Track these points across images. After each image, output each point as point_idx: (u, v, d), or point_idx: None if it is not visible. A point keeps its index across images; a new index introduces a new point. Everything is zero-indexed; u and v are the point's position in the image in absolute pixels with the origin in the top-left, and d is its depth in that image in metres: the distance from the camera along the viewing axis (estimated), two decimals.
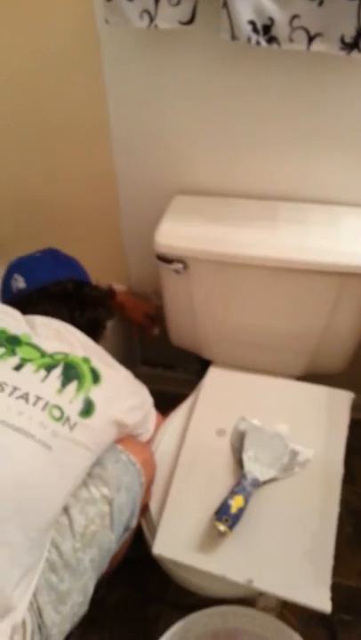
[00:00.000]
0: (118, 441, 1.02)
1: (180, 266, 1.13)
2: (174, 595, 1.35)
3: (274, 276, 1.09)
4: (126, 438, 1.04)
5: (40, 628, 0.77)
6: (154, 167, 1.25)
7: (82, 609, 0.87)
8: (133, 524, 1.00)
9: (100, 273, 1.54)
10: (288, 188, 1.19)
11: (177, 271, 1.14)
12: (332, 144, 1.10)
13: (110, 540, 0.91)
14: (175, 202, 1.23)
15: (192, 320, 1.28)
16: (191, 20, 0.93)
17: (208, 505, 1.03)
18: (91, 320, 1.10)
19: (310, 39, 0.89)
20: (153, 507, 1.05)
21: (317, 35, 0.88)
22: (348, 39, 0.87)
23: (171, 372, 1.82)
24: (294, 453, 1.10)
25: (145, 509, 1.07)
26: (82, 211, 1.40)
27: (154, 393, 1.82)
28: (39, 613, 0.77)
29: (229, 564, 0.94)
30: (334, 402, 1.22)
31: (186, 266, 1.13)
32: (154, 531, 1.00)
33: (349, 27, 0.85)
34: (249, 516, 1.00)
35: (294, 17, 0.87)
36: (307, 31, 0.88)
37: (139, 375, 1.83)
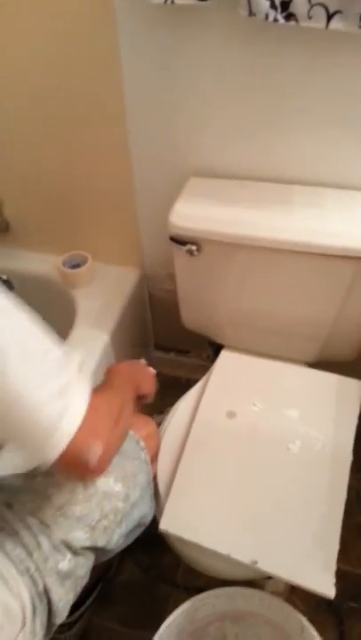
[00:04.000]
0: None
1: (193, 247, 1.12)
2: (184, 576, 1.36)
3: (287, 260, 1.08)
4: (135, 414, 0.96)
5: (50, 607, 0.78)
6: (169, 149, 1.24)
7: (83, 581, 0.87)
8: (148, 520, 0.99)
9: (114, 255, 1.55)
10: (304, 172, 1.18)
11: (190, 253, 1.13)
12: (349, 125, 1.08)
13: (120, 534, 0.90)
14: (190, 184, 1.22)
15: (204, 303, 1.28)
16: None
17: (216, 484, 1.04)
18: None
19: (329, 17, 0.87)
20: (161, 484, 1.06)
21: (337, 12, 0.86)
22: None
23: (184, 357, 1.83)
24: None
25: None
26: (97, 193, 1.40)
27: (166, 377, 1.84)
28: (45, 593, 0.77)
29: (235, 544, 0.94)
30: (345, 390, 1.21)
31: (199, 247, 1.13)
32: (162, 508, 1.01)
33: None
34: (257, 498, 1.01)
35: None
36: (326, 8, 0.86)
37: (152, 360, 1.85)
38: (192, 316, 1.37)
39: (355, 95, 1.03)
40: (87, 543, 0.83)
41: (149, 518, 1.00)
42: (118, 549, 0.96)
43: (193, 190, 1.20)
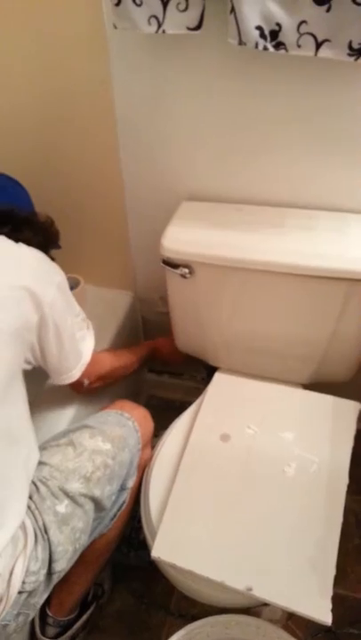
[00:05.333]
0: (116, 405, 1.18)
1: (185, 271, 1.13)
2: (178, 603, 1.34)
3: (281, 282, 1.09)
4: (121, 402, 1.20)
5: (50, 547, 0.89)
6: (161, 173, 1.25)
7: (83, 537, 0.97)
8: (129, 484, 1.11)
9: (107, 278, 1.55)
10: (296, 195, 1.19)
11: (183, 276, 1.14)
12: (340, 150, 1.10)
13: (111, 490, 1.02)
14: (182, 207, 1.23)
15: (198, 326, 1.28)
16: (199, 26, 0.93)
17: (209, 509, 1.03)
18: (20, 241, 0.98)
19: (318, 45, 0.89)
20: (153, 510, 1.04)
21: (325, 40, 0.88)
22: (356, 45, 0.86)
23: (177, 379, 1.82)
24: None
25: (144, 468, 1.16)
26: (89, 217, 1.41)
27: (160, 400, 1.83)
28: (45, 530, 0.89)
29: (229, 571, 0.93)
30: (341, 411, 1.21)
31: (192, 271, 1.13)
32: (154, 534, 1.00)
33: (358, 32, 0.85)
34: (252, 522, 1.00)
35: (302, 22, 0.87)
36: (314, 37, 0.88)
37: (145, 382, 1.84)
38: (185, 338, 1.37)
39: (344, 120, 1.06)
40: (84, 491, 0.96)
41: (130, 484, 1.12)
42: (111, 513, 1.08)
43: (185, 214, 1.21)
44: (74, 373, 1.06)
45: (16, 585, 0.82)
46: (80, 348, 1.06)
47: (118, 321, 1.49)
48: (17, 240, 0.92)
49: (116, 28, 0.96)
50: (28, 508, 0.90)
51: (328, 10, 0.85)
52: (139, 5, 0.91)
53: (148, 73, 1.10)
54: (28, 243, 0.95)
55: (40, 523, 0.89)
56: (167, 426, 1.24)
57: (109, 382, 1.25)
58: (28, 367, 0.97)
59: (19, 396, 0.92)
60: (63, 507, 0.93)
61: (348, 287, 1.05)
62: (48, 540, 0.89)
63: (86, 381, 1.13)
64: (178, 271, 1.14)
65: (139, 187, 1.30)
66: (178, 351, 1.44)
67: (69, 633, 1.16)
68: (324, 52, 0.90)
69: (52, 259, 1.01)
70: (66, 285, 0.99)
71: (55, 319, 0.93)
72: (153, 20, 0.93)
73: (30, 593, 0.86)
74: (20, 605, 0.85)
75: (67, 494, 0.94)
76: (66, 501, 0.94)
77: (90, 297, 1.52)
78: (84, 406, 1.25)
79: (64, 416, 1.22)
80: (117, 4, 0.92)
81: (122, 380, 1.31)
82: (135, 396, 1.75)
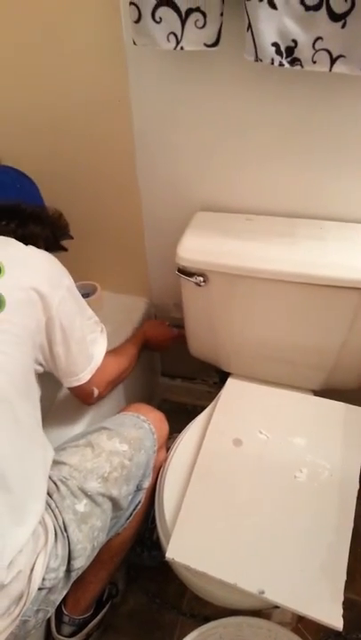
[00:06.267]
0: (132, 408, 1.21)
1: (200, 279, 1.15)
2: (190, 604, 1.36)
3: (292, 291, 1.11)
4: (137, 405, 1.23)
5: (69, 544, 0.91)
6: (176, 184, 1.28)
7: (101, 536, 1.00)
8: (145, 484, 1.13)
9: (123, 285, 1.58)
10: (307, 205, 1.21)
11: (197, 284, 1.16)
12: (350, 162, 1.12)
13: (127, 490, 1.04)
14: (197, 218, 1.25)
15: (211, 332, 1.30)
16: (216, 43, 0.95)
17: (222, 513, 1.04)
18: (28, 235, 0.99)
19: (333, 61, 0.90)
20: (167, 512, 1.06)
21: (340, 56, 0.90)
22: None
23: (190, 383, 1.84)
24: None
25: (159, 470, 1.18)
26: (107, 226, 1.43)
27: (173, 404, 1.85)
28: (64, 528, 0.92)
29: (242, 574, 0.94)
30: (352, 418, 1.22)
31: (206, 279, 1.15)
32: (168, 536, 1.02)
33: None
34: (264, 527, 1.01)
35: (318, 39, 0.89)
36: (329, 53, 0.90)
37: (159, 386, 1.86)
38: (199, 344, 1.39)
39: (356, 132, 1.07)
40: (102, 490, 0.99)
41: (146, 485, 1.14)
42: (127, 513, 1.10)
43: (200, 224, 1.23)
44: (83, 376, 1.06)
45: (37, 581, 0.84)
46: (91, 351, 1.07)
47: (134, 326, 1.51)
48: (24, 235, 0.93)
49: (135, 44, 0.99)
50: (49, 506, 0.93)
51: (343, 26, 0.86)
52: (158, 22, 0.93)
53: (165, 87, 1.12)
54: (37, 237, 0.97)
55: (60, 521, 0.92)
56: (180, 429, 1.26)
57: (118, 384, 1.26)
58: (40, 369, 0.98)
59: (33, 395, 0.94)
60: (82, 506, 0.96)
61: (360, 297, 1.07)
62: (68, 537, 0.92)
63: (96, 391, 1.13)
64: (193, 279, 1.16)
65: (155, 197, 1.32)
66: (164, 333, 1.47)
67: (85, 631, 1.18)
68: (339, 67, 0.91)
69: (64, 249, 1.03)
70: (74, 288, 1.00)
71: (63, 321, 0.94)
72: (172, 37, 0.95)
73: (50, 589, 0.88)
74: (39, 602, 0.87)
75: (85, 494, 0.97)
76: (85, 500, 0.96)
77: (107, 303, 1.54)
78: (101, 409, 1.28)
79: (82, 419, 1.24)
80: (137, 22, 0.95)
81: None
82: (148, 399, 1.77)
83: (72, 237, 1.09)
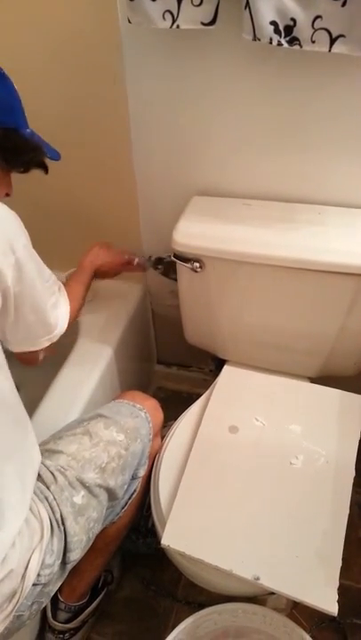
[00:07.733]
0: (127, 396, 1.19)
1: (196, 265, 1.14)
2: (185, 591, 1.36)
3: (290, 277, 1.10)
4: (132, 393, 1.21)
5: (65, 537, 0.90)
6: (172, 168, 1.26)
7: (96, 526, 0.99)
8: (141, 473, 1.12)
9: None
10: (306, 190, 1.20)
11: (194, 270, 1.15)
12: (350, 147, 1.10)
13: (123, 479, 1.03)
14: (193, 202, 1.24)
15: (208, 319, 1.29)
16: (213, 21, 0.94)
17: (218, 500, 1.04)
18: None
19: (332, 41, 0.89)
20: (163, 498, 1.06)
21: (340, 36, 0.88)
22: None
23: (186, 371, 1.84)
24: None
25: (154, 458, 1.17)
26: (101, 210, 1.42)
27: (169, 391, 1.85)
28: (62, 521, 0.90)
29: (237, 560, 0.94)
30: (348, 405, 1.21)
31: (202, 265, 1.14)
32: (164, 523, 1.02)
33: None
34: (259, 513, 1.01)
35: (317, 18, 0.87)
36: (329, 32, 0.88)
37: (154, 374, 1.86)
38: (195, 331, 1.38)
39: (357, 116, 1.06)
40: (99, 481, 0.97)
41: (141, 473, 1.13)
42: (123, 502, 1.09)
43: (196, 209, 1.22)
44: (40, 342, 0.96)
45: (31, 578, 0.83)
46: (53, 319, 0.96)
47: (129, 313, 1.50)
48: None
49: (130, 22, 0.97)
50: (46, 498, 0.91)
51: (343, 4, 0.85)
52: (154, 0, 0.92)
53: (161, 68, 1.10)
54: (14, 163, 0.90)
55: (58, 514, 0.90)
56: (175, 416, 1.25)
57: None
58: None
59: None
60: (80, 498, 0.94)
61: (358, 283, 1.06)
62: (64, 531, 0.90)
63: (43, 354, 1.01)
64: (189, 265, 1.15)
65: (150, 181, 1.30)
66: (114, 261, 1.30)
67: (80, 618, 1.19)
68: (339, 47, 0.90)
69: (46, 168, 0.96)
70: (31, 247, 0.88)
71: (20, 289, 0.84)
72: (167, 15, 0.93)
73: (45, 584, 0.87)
74: (34, 596, 0.86)
75: (83, 485, 0.95)
76: (82, 492, 0.95)
77: (102, 289, 1.52)
78: (95, 397, 1.27)
79: (77, 402, 1.24)
80: None
81: None
82: (144, 387, 1.77)
83: (59, 158, 0.98)
